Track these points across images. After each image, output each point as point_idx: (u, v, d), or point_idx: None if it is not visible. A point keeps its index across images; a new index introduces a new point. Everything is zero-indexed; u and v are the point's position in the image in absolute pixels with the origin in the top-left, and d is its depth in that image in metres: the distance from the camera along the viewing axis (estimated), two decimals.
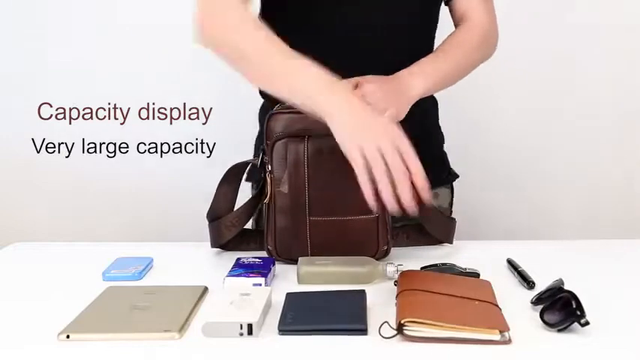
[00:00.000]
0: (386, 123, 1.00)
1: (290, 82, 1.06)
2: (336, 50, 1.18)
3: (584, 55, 2.06)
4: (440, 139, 1.43)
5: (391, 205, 0.94)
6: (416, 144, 0.99)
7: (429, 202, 0.97)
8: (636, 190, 2.12)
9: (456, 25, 1.35)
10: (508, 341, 0.84)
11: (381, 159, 0.95)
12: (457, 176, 1.42)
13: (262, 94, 1.36)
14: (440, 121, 1.43)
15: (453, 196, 1.41)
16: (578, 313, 0.85)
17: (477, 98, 2.07)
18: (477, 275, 1.07)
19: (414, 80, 1.19)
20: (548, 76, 2.07)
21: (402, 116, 1.14)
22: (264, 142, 1.15)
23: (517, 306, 0.96)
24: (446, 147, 1.43)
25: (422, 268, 1.08)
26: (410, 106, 1.17)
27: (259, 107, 1.39)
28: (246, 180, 1.30)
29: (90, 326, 0.89)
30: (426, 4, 1.31)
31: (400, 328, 0.84)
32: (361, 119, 1.00)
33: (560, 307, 0.87)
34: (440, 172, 1.38)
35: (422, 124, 1.31)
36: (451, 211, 1.40)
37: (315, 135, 1.12)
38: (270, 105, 1.23)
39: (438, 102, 1.42)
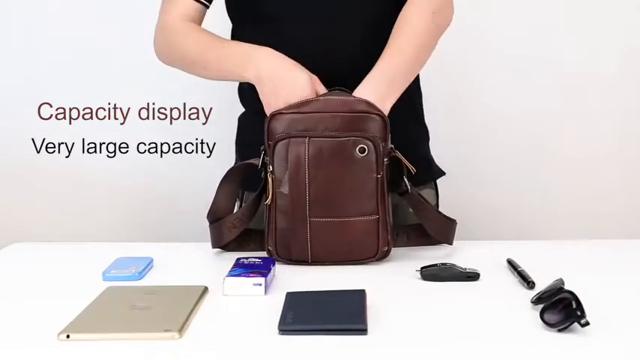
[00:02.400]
0: (300, 81, 1.14)
1: (225, 67, 1.22)
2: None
3: (583, 52, 2.06)
4: (423, 135, 1.41)
5: None
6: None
7: None
8: (636, 190, 2.12)
9: None
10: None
11: None
12: (443, 173, 1.40)
13: (242, 101, 1.38)
14: (431, 118, 1.42)
15: (438, 197, 1.40)
16: (579, 313, 0.85)
17: (477, 98, 2.07)
18: (476, 275, 1.07)
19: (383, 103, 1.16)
20: (547, 73, 2.07)
21: None
22: (264, 142, 1.15)
23: (517, 306, 0.96)
24: (432, 152, 1.42)
25: (422, 268, 1.08)
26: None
27: (240, 114, 1.40)
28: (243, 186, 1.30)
29: (90, 326, 0.89)
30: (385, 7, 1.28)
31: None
32: (277, 79, 1.15)
33: (561, 307, 0.87)
34: (422, 171, 1.32)
35: (402, 120, 1.30)
36: None
37: (316, 135, 1.12)
38: (251, 112, 1.33)
39: (424, 101, 1.41)
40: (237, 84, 1.39)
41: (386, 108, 1.16)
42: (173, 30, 1.30)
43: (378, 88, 1.17)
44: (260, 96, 1.18)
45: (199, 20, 1.32)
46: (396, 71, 1.20)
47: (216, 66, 1.24)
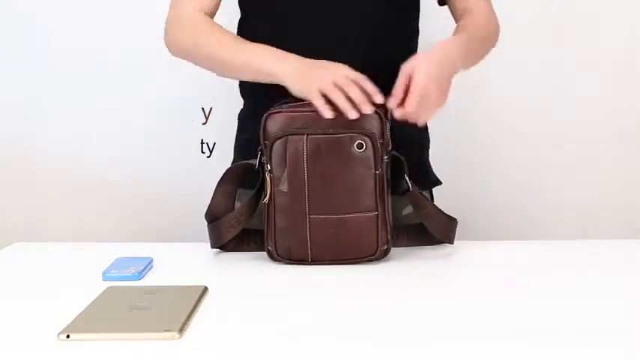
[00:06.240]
0: (335, 65, 1.15)
1: (248, 64, 1.22)
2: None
3: (581, 53, 2.06)
4: (425, 142, 1.41)
5: (346, 109, 1.09)
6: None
7: (381, 101, 1.12)
8: (636, 190, 2.12)
9: (457, 22, 1.36)
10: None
11: (333, 84, 1.11)
12: (439, 183, 1.40)
13: (243, 95, 1.38)
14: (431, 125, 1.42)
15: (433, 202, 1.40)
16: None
17: (476, 98, 2.07)
18: None
19: (457, 60, 1.21)
20: (546, 74, 2.07)
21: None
22: (261, 142, 1.15)
23: (517, 306, 0.96)
24: (432, 151, 1.42)
25: None
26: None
27: (239, 111, 1.40)
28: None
29: (90, 326, 0.89)
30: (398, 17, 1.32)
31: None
32: (311, 64, 1.16)
33: None
34: (419, 178, 1.31)
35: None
36: None
37: (313, 133, 1.12)
38: (251, 107, 1.33)
39: None
40: (236, 83, 1.38)
41: (457, 66, 1.21)
42: (193, 22, 1.28)
43: (464, 61, 1.23)
44: (293, 87, 1.15)
45: (213, 15, 1.32)
46: (470, 55, 1.27)
47: (243, 58, 1.22)
